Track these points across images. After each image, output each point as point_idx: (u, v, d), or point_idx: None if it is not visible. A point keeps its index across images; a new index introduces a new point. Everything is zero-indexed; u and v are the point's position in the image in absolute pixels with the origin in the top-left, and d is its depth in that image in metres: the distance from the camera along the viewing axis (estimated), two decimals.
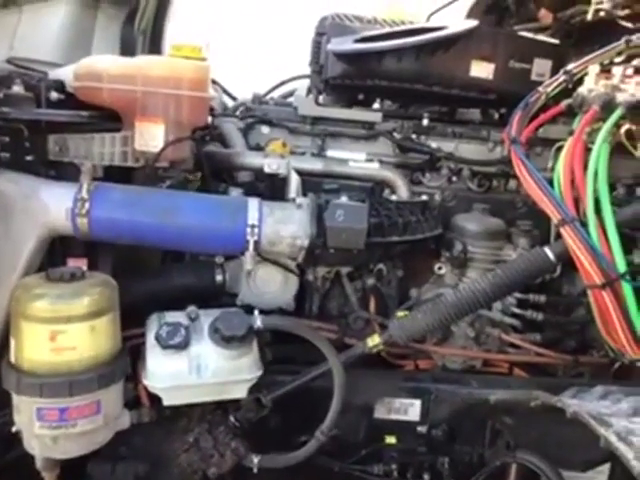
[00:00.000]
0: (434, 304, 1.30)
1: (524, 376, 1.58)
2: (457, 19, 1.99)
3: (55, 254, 1.36)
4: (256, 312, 1.23)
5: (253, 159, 1.40)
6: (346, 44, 1.56)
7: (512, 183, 1.74)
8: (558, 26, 1.83)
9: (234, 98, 2.16)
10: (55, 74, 1.37)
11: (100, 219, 1.22)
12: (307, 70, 2.19)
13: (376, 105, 1.98)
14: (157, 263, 1.51)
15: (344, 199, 1.29)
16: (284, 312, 1.51)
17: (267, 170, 1.35)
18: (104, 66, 1.29)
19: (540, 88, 1.44)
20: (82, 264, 1.38)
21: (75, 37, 2.20)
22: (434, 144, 1.71)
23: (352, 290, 1.54)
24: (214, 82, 2.10)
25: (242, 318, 1.21)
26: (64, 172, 1.33)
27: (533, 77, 1.65)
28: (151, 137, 1.30)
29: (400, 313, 1.52)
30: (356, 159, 1.69)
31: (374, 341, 1.33)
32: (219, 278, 1.46)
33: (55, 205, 1.22)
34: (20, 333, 1.09)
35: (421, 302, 1.58)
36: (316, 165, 1.41)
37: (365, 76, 1.56)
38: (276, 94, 2.24)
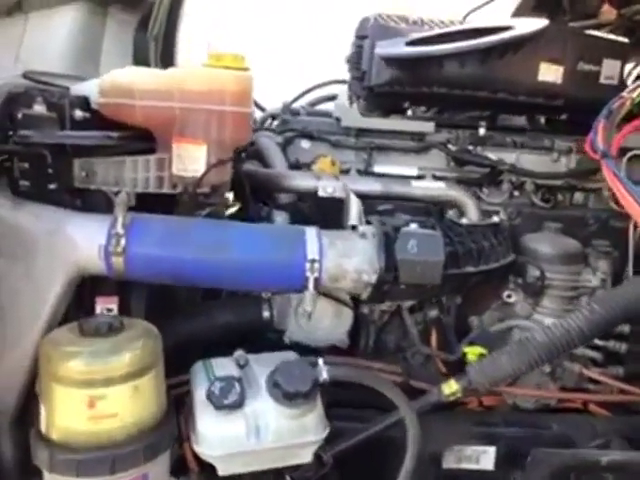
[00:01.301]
0: (520, 345, 1.14)
1: (606, 415, 1.41)
2: (495, 18, 1.83)
3: (82, 292, 1.19)
4: (321, 362, 1.06)
5: (304, 181, 1.23)
6: (397, 47, 1.39)
7: (578, 196, 1.58)
8: (620, 23, 1.67)
9: (262, 109, 2.00)
10: (77, 89, 1.20)
11: (138, 257, 1.05)
12: (330, 76, 2.05)
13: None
14: (195, 298, 1.34)
15: (414, 226, 1.13)
16: (337, 349, 1.35)
17: (322, 194, 1.19)
18: (134, 80, 1.12)
19: (624, 93, 1.27)
20: (113, 303, 1.22)
21: (84, 45, 2.03)
22: (491, 155, 1.54)
23: (412, 323, 1.38)
24: None
25: (305, 370, 1.04)
26: (92, 201, 1.16)
27: (602, 80, 1.48)
28: (191, 160, 1.14)
29: (466, 348, 1.37)
30: (407, 174, 1.54)
31: (451, 388, 1.16)
32: (266, 314, 1.30)
33: (84, 241, 1.05)
34: (52, 399, 0.93)
35: (488, 334, 1.42)
36: (374, 186, 1.24)
37: (420, 82, 1.39)
38: (303, 102, 2.09)
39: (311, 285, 1.07)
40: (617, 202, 1.27)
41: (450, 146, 1.54)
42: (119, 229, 1.04)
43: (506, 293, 1.42)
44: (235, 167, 1.28)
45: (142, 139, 1.17)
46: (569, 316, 1.13)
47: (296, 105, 1.97)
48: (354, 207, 1.15)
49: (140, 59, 2.08)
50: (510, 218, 1.48)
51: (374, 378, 1.10)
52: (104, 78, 1.16)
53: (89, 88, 1.18)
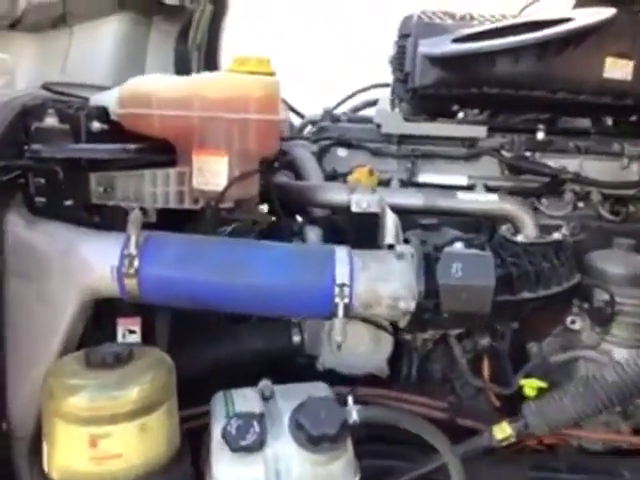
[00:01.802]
0: (587, 385, 0.98)
1: None
2: (555, 12, 1.65)
3: (102, 312, 1.13)
4: (350, 401, 0.94)
5: (337, 195, 1.12)
6: (443, 45, 1.26)
7: None
8: None
9: (301, 115, 1.90)
10: (97, 100, 1.14)
11: (152, 279, 0.96)
12: (374, 79, 1.93)
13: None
14: (223, 320, 1.25)
15: (460, 246, 0.99)
16: (376, 379, 1.23)
17: (355, 209, 1.07)
18: (152, 88, 1.04)
19: None
20: (135, 325, 1.15)
21: (128, 56, 2.00)
22: (551, 162, 1.38)
23: (461, 352, 1.23)
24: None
25: (332, 409, 0.92)
26: (111, 218, 1.09)
27: None
28: (212, 173, 1.04)
29: (523, 380, 1.21)
30: (455, 184, 1.40)
31: (504, 432, 1.01)
32: (296, 339, 1.19)
33: (98, 262, 0.97)
34: (52, 435, 0.85)
35: (548, 365, 1.25)
36: (415, 200, 1.11)
37: (468, 83, 1.25)
38: (347, 107, 1.98)
39: (341, 312, 0.95)
40: None
41: (504, 152, 1.39)
42: (132, 249, 0.96)
43: (570, 319, 1.25)
44: (265, 179, 1.18)
45: (162, 151, 1.09)
46: None
47: (338, 111, 1.88)
48: (391, 224, 1.03)
49: (182, 69, 2.04)
50: (573, 233, 1.31)
51: (413, 420, 0.97)
52: (123, 87, 1.09)
53: (108, 98, 1.11)
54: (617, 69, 1.18)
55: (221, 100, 1.02)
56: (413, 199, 1.11)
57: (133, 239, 0.96)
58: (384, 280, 0.97)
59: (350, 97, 1.95)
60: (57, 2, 1.78)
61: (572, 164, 1.38)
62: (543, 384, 1.22)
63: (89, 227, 1.06)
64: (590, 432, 1.17)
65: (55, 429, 0.85)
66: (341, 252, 0.98)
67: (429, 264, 0.97)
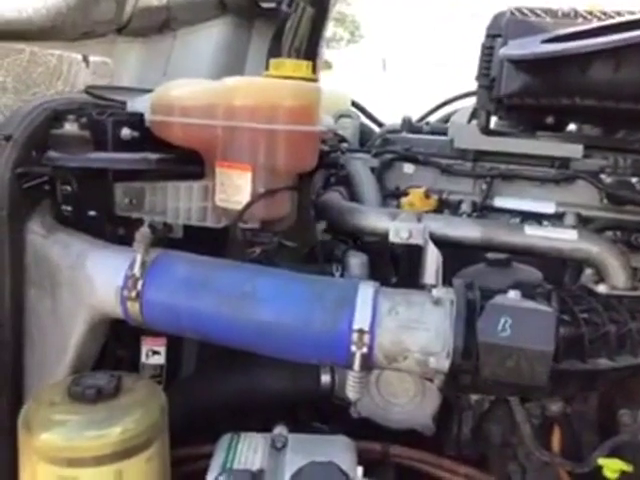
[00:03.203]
0: None
1: None
2: None
3: (126, 330, 1.07)
4: (359, 471, 0.79)
5: (376, 220, 0.96)
6: (530, 46, 1.05)
7: None
8: None
9: (380, 124, 1.75)
10: (134, 105, 1.08)
11: (155, 305, 0.87)
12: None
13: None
14: None
15: (514, 294, 0.79)
16: (420, 436, 1.05)
17: (393, 239, 0.90)
18: (177, 94, 0.96)
19: None
20: (161, 345, 1.07)
21: (229, 59, 1.99)
22: None
23: (525, 416, 1.01)
24: (355, 105, 1.72)
25: (333, 478, 0.77)
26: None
27: None
28: (234, 189, 0.94)
29: (603, 459, 0.98)
30: (540, 211, 1.18)
31: None
32: (326, 379, 1.05)
33: (103, 281, 0.90)
34: (22, 470, 0.79)
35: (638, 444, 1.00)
36: (471, 231, 0.92)
37: (558, 92, 1.03)
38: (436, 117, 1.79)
39: (357, 364, 0.79)
40: None
41: (604, 177, 1.14)
42: (136, 270, 0.87)
43: None
44: (301, 196, 1.05)
45: (189, 162, 1.00)
46: None
47: (425, 121, 1.70)
48: (431, 261, 0.85)
49: None
50: None
51: None
52: (155, 92, 1.02)
53: (145, 104, 1.05)
54: None
55: (247, 108, 0.91)
56: (468, 231, 0.92)
57: (139, 259, 0.88)
58: (414, 329, 0.80)
59: (440, 107, 1.77)
60: (162, 7, 1.79)
61: None
62: (628, 467, 0.98)
63: (112, 240, 1.00)
64: None
65: (24, 464, 0.78)
66: (365, 290, 0.83)
67: (471, 315, 0.78)
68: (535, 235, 0.90)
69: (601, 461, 0.97)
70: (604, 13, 1.20)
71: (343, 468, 0.81)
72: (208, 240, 1.02)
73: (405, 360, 0.80)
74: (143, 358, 1.08)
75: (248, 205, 0.91)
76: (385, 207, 1.16)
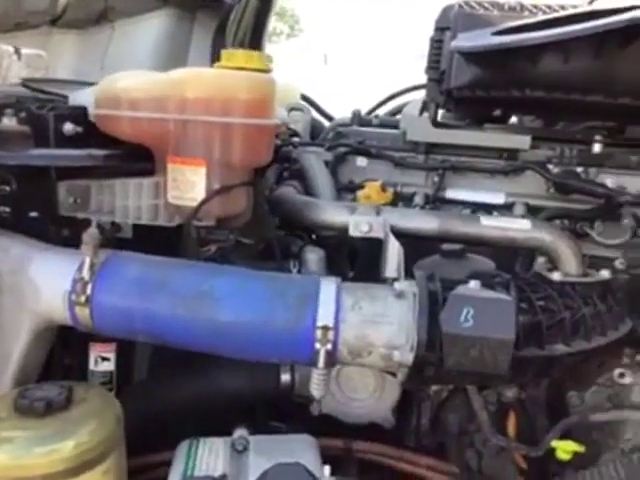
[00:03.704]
0: (630, 467, 0.77)
1: None
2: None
3: (74, 336, 1.01)
4: (326, 471, 0.78)
5: (335, 215, 0.94)
6: (480, 39, 1.06)
7: None
8: None
9: (330, 118, 1.73)
10: (77, 99, 1.02)
11: (106, 309, 0.83)
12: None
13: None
14: None
15: (474, 284, 0.79)
16: (380, 429, 1.05)
17: (353, 233, 0.89)
18: (125, 86, 0.91)
19: None
20: (109, 351, 1.03)
21: (170, 52, 1.91)
22: (609, 180, 1.15)
23: (482, 404, 1.03)
24: (305, 98, 1.70)
25: (301, 479, 0.76)
26: (82, 232, 0.97)
27: None
28: (188, 185, 0.90)
29: (556, 442, 1.01)
30: (490, 202, 1.20)
31: None
32: (286, 378, 1.03)
33: (48, 286, 0.85)
34: None
35: (588, 425, 1.04)
36: (428, 223, 0.92)
37: (508, 84, 1.05)
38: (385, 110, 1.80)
39: (322, 361, 0.78)
40: None
41: (551, 167, 1.17)
42: (84, 273, 0.83)
43: (618, 371, 1.03)
44: (256, 191, 1.02)
45: (138, 158, 0.96)
46: None
47: (372, 114, 1.70)
48: (392, 254, 0.85)
49: None
50: (630, 266, 1.08)
51: None
52: (99, 85, 0.97)
53: (88, 97, 0.99)
54: None
55: (201, 101, 0.88)
56: (426, 222, 0.92)
57: (87, 261, 0.83)
58: (378, 324, 0.79)
59: (388, 99, 1.77)
60: None
61: (634, 183, 1.15)
62: (580, 448, 1.01)
63: (56, 242, 0.94)
64: None
65: None
66: (328, 286, 0.81)
67: (434, 307, 0.78)
68: (491, 225, 0.91)
69: (554, 443, 1.00)
70: (549, 7, 1.22)
71: (309, 468, 0.79)
72: (159, 239, 0.98)
73: (369, 355, 0.80)
74: (91, 365, 1.03)
75: (203, 202, 0.88)
76: (340, 201, 1.15)
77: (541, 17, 1.06)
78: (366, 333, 0.79)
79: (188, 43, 1.97)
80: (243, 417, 1.01)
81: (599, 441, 1.06)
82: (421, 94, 1.68)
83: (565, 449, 1.02)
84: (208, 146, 0.88)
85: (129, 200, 0.94)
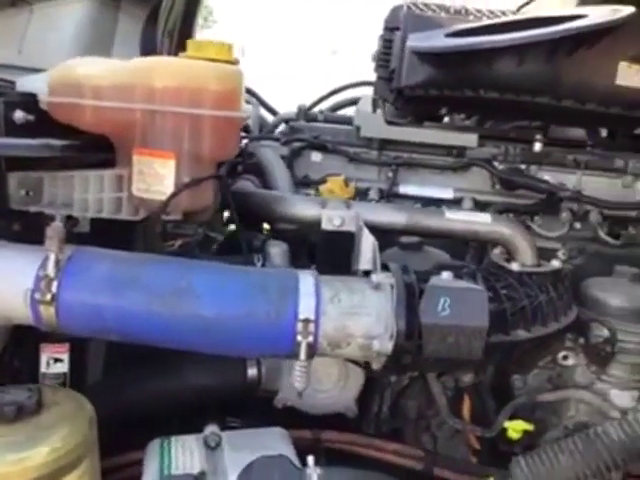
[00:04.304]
0: (587, 442, 0.84)
1: None
2: (553, 9, 1.51)
3: (24, 337, 0.95)
4: (311, 461, 0.78)
5: (306, 209, 0.95)
6: (435, 40, 1.10)
7: None
8: None
9: (274, 112, 1.73)
10: (25, 85, 0.96)
11: (74, 307, 0.79)
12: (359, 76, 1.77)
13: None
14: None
15: (447, 276, 0.83)
16: (343, 419, 1.07)
17: (326, 227, 0.90)
18: (86, 73, 0.87)
19: None
20: (63, 353, 0.98)
21: (93, 40, 1.81)
22: (548, 177, 1.24)
23: (440, 389, 1.08)
24: (249, 92, 1.68)
25: (287, 472, 0.77)
26: (35, 226, 0.91)
27: None
28: (156, 178, 0.87)
29: (507, 422, 1.07)
30: (440, 197, 1.25)
31: None
32: (252, 373, 1.03)
33: (5, 285, 0.80)
34: None
35: (535, 405, 1.12)
36: (397, 217, 0.95)
37: (463, 84, 1.10)
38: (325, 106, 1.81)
39: (303, 353, 0.79)
40: None
41: (497, 164, 1.24)
42: (50, 270, 0.78)
43: (562, 354, 1.11)
44: (224, 185, 1.01)
45: (97, 149, 0.91)
46: None
47: (316, 109, 1.72)
48: (367, 247, 0.87)
49: (149, 55, 1.86)
50: (570, 257, 1.17)
51: None
52: (53, 71, 0.91)
53: (38, 84, 0.93)
54: (631, 75, 1.04)
55: (170, 91, 0.85)
56: (394, 216, 0.95)
57: (52, 257, 0.78)
58: (356, 315, 0.81)
59: (329, 95, 1.79)
60: None
61: (570, 179, 1.24)
62: (529, 426, 1.09)
63: (6, 237, 0.88)
64: None
65: None
66: (306, 279, 0.82)
67: (411, 298, 0.81)
68: (455, 219, 0.95)
69: (506, 424, 1.07)
70: (491, 12, 1.29)
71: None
72: (115, 234, 0.94)
73: (348, 346, 0.81)
74: (43, 367, 0.97)
75: (173, 195, 0.86)
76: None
77: (490, 21, 1.12)
78: (346, 324, 0.80)
79: (113, 31, 1.89)
80: (198, 414, 1.00)
81: (543, 420, 1.14)
82: (362, 91, 1.73)
83: (515, 428, 1.09)
84: (178, 138, 0.86)
85: (89, 193, 0.90)
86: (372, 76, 1.35)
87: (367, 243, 0.87)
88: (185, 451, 0.86)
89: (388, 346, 0.80)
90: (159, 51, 1.94)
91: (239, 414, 1.12)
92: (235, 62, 0.93)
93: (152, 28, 1.95)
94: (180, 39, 2.06)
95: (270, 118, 1.74)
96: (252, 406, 1.11)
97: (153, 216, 0.89)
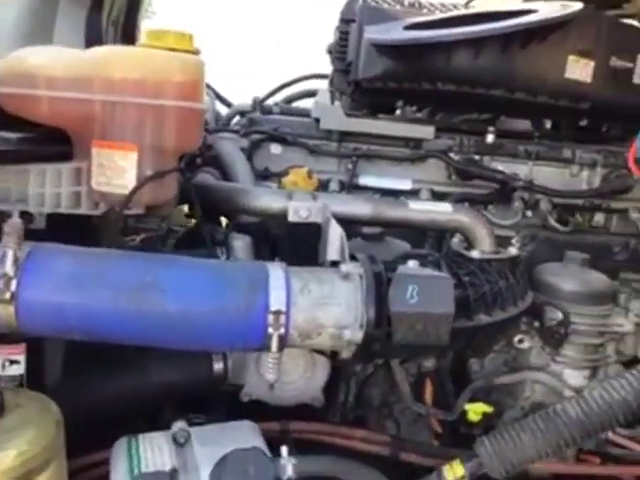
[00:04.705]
0: (547, 421, 0.87)
1: None
2: (502, 3, 1.56)
3: None
4: (284, 452, 0.79)
5: (272, 201, 0.94)
6: (394, 32, 1.12)
7: (599, 218, 1.33)
8: None
9: (228, 104, 1.71)
10: None
11: (35, 306, 0.76)
12: (313, 69, 1.78)
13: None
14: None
15: (413, 264, 0.85)
16: (310, 409, 1.08)
17: (292, 218, 0.91)
18: (40, 63, 0.83)
19: None
20: (19, 353, 0.93)
21: (34, 29, 1.73)
22: (500, 167, 1.29)
23: (404, 376, 1.10)
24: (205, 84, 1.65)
25: (262, 464, 0.76)
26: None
27: (636, 80, 1.23)
28: (117, 171, 0.85)
29: (467, 405, 1.11)
30: (399, 188, 1.27)
31: (456, 474, 0.89)
32: (218, 367, 1.02)
33: None
34: None
35: (493, 387, 1.16)
36: (362, 209, 0.96)
37: (421, 77, 1.12)
38: (278, 98, 1.81)
39: (274, 345, 0.79)
40: None
41: (452, 155, 1.27)
42: (8, 268, 0.75)
43: (518, 337, 1.15)
44: (184, 178, 0.99)
45: (53, 142, 0.88)
46: (610, 384, 0.87)
47: (269, 102, 1.70)
48: (335, 238, 0.87)
49: (94, 45, 1.80)
50: (524, 244, 1.22)
51: (356, 471, 0.83)
52: (6, 60, 0.87)
53: None
54: (578, 69, 1.09)
55: (130, 81, 0.83)
56: (360, 208, 0.96)
57: (10, 254, 0.75)
58: (327, 305, 0.81)
59: (282, 87, 1.78)
60: None
61: (521, 169, 1.29)
62: (488, 408, 1.13)
63: None
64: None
65: None
66: (276, 271, 0.82)
67: (380, 287, 0.82)
68: (418, 209, 0.97)
69: (466, 406, 1.11)
70: (443, 5, 1.32)
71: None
72: (71, 230, 0.91)
73: (319, 336, 0.82)
74: None
75: (136, 189, 0.84)
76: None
77: (447, 14, 1.15)
78: (316, 315, 0.81)
79: (53, 20, 1.82)
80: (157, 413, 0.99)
81: (500, 402, 1.18)
82: (313, 84, 1.73)
83: (476, 410, 1.13)
84: (139, 130, 0.84)
85: (46, 187, 0.86)
86: (317, 68, 1.35)
87: (335, 234, 0.88)
88: (154, 449, 0.84)
89: (358, 335, 0.81)
90: (104, 40, 1.89)
91: (202, 410, 1.11)
92: (196, 52, 0.91)
93: (97, 16, 1.89)
94: (125, 28, 2.01)
95: (223, 110, 1.72)
96: (216, 401, 1.11)
97: (115, 210, 0.86)
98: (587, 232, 1.30)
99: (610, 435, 1.13)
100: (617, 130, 1.33)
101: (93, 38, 1.87)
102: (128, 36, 1.99)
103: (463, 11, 1.18)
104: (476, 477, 0.89)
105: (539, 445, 0.87)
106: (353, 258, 0.88)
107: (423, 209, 0.98)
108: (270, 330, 0.78)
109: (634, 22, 1.39)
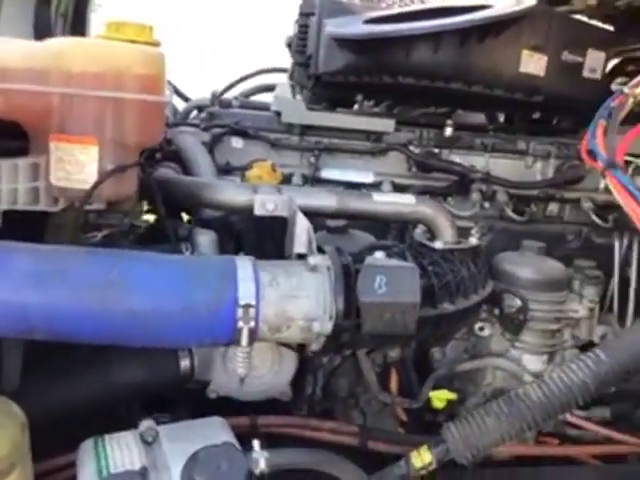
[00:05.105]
0: (511, 404, 0.90)
1: (594, 464, 1.20)
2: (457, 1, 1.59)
3: None
4: (256, 445, 0.79)
5: (237, 194, 0.94)
6: (354, 26, 1.13)
7: (552, 207, 1.37)
8: (598, 10, 1.47)
9: (186, 99, 1.68)
10: None
11: None
12: (270, 62, 1.77)
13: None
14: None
15: (380, 255, 0.86)
16: (278, 403, 1.08)
17: (259, 212, 0.90)
18: None
19: (626, 89, 1.06)
20: None
21: None
22: (458, 160, 1.31)
23: (370, 366, 1.12)
24: None
25: (234, 459, 0.76)
26: None
27: (585, 74, 1.28)
28: (77, 166, 0.82)
29: (430, 393, 1.14)
30: (361, 181, 1.29)
31: (423, 460, 0.91)
32: (185, 364, 1.00)
33: None
34: None
35: (455, 374, 1.19)
36: (327, 201, 0.96)
37: (381, 70, 1.13)
38: (236, 92, 1.79)
39: (244, 339, 0.78)
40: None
41: (412, 148, 1.29)
42: None
43: (478, 325, 1.19)
44: (144, 173, 0.97)
45: (9, 136, 0.85)
46: (569, 367, 0.91)
47: (228, 95, 1.69)
48: (302, 230, 0.87)
49: (43, 36, 1.74)
50: (482, 234, 1.25)
51: (323, 458, 0.83)
52: None
53: None
54: (532, 64, 1.12)
55: (89, 74, 0.80)
56: (325, 200, 0.96)
57: None
58: (296, 298, 0.81)
59: (240, 81, 1.77)
60: None
61: (478, 162, 1.32)
62: (451, 395, 1.16)
63: None
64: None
65: None
66: (244, 265, 0.82)
67: (348, 278, 0.83)
68: (382, 201, 0.98)
69: (431, 394, 1.13)
70: (402, 0, 1.34)
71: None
72: (29, 226, 0.88)
73: (289, 329, 0.82)
74: None
75: (97, 184, 0.81)
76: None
77: (405, 9, 1.16)
78: (285, 308, 0.81)
79: None
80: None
81: (462, 389, 1.21)
82: (271, 78, 1.73)
83: (440, 398, 1.16)
84: (100, 123, 0.82)
85: (2, 183, 0.83)
86: (267, 62, 1.35)
87: (301, 227, 0.88)
88: (122, 448, 0.82)
89: (328, 327, 0.82)
90: (53, 31, 1.83)
91: (166, 409, 1.10)
92: (157, 44, 0.90)
93: (45, 8, 1.84)
94: (74, 19, 1.95)
95: (180, 104, 1.70)
96: (180, 399, 1.09)
97: (75, 206, 0.84)
98: (542, 222, 1.34)
99: (568, 417, 1.18)
100: (568, 122, 1.38)
101: (42, 30, 1.81)
102: (77, 28, 1.94)
103: (421, 6, 1.20)
104: (443, 463, 0.91)
105: (503, 429, 0.89)
106: (320, 251, 0.88)
107: (387, 201, 0.99)
108: (240, 324, 0.78)
109: (582, 18, 1.45)
